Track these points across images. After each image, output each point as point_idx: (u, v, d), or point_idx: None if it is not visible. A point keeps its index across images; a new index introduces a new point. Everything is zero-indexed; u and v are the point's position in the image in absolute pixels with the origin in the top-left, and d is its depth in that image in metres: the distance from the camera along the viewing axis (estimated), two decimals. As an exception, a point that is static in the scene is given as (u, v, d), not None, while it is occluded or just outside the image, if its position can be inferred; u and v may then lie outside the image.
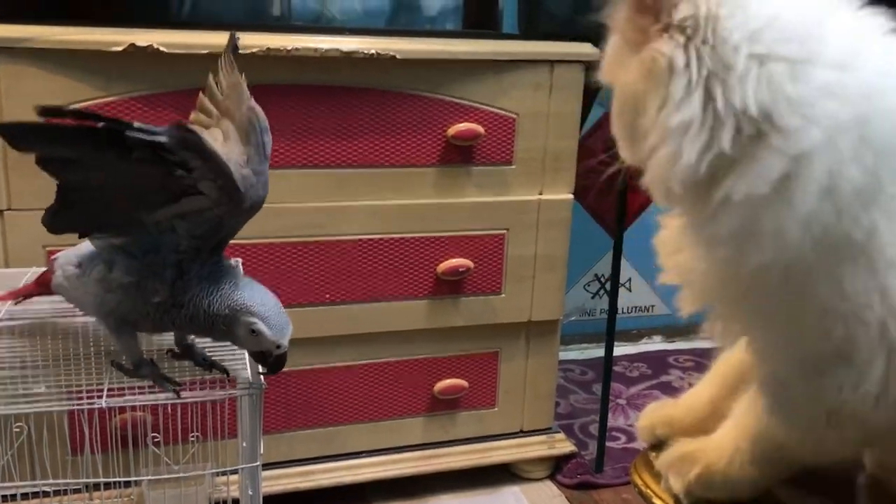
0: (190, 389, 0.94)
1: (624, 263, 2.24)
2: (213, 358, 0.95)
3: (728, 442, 0.65)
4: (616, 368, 2.07)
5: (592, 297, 2.24)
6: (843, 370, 0.57)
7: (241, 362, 0.96)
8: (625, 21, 0.57)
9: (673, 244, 0.61)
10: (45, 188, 1.21)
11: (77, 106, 1.21)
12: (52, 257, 0.97)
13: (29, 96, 1.19)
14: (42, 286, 1.01)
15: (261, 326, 0.83)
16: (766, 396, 0.63)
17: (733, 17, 0.52)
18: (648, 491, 0.63)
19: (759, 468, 0.63)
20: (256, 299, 0.83)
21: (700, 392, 0.72)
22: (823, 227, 0.54)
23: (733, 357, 0.72)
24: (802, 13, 0.54)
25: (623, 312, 2.29)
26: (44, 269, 1.16)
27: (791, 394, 0.61)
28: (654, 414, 0.73)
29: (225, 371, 0.93)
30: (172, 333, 0.97)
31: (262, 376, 0.91)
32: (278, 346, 0.84)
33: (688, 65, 0.53)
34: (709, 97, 0.53)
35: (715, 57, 0.53)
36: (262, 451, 0.92)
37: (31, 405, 0.96)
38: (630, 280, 2.27)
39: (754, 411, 0.64)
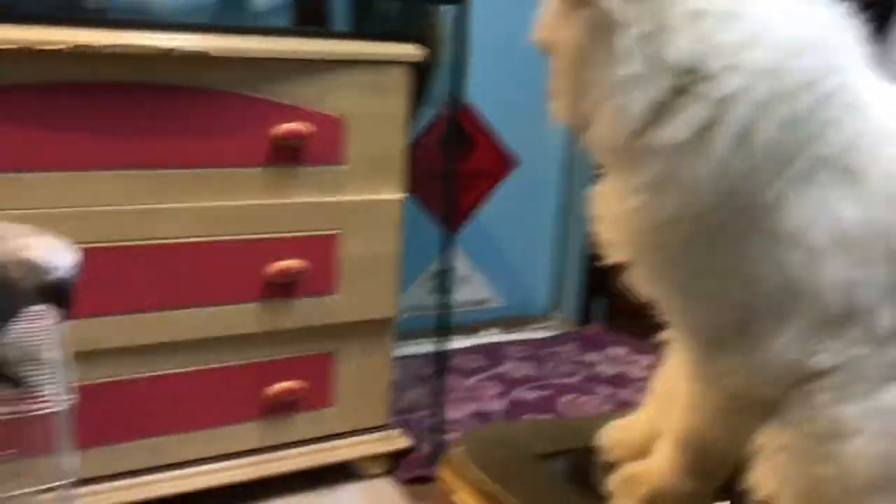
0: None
1: (463, 258, 2.30)
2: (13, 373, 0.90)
3: (664, 457, 0.66)
4: (455, 361, 2.11)
5: (430, 293, 2.27)
6: (741, 343, 0.58)
7: (47, 377, 0.91)
8: None
9: (605, 197, 0.61)
10: None
11: None
12: None
13: None
14: None
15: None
16: (685, 392, 0.63)
17: None
18: (450, 486, 0.65)
19: (695, 475, 0.64)
20: None
21: (641, 413, 0.72)
22: (734, 184, 0.55)
23: (667, 374, 0.71)
24: None
25: (462, 306, 2.34)
26: None
27: (700, 383, 0.62)
28: (613, 436, 0.73)
29: (24, 384, 0.88)
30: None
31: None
32: (49, 266, 0.85)
33: (632, 21, 0.55)
34: (649, 51, 0.55)
35: (654, 13, 0.55)
36: (71, 468, 0.87)
37: None
38: (468, 275, 2.33)
39: (678, 418, 0.65)
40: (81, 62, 1.21)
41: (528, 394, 1.97)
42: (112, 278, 1.30)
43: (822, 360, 0.54)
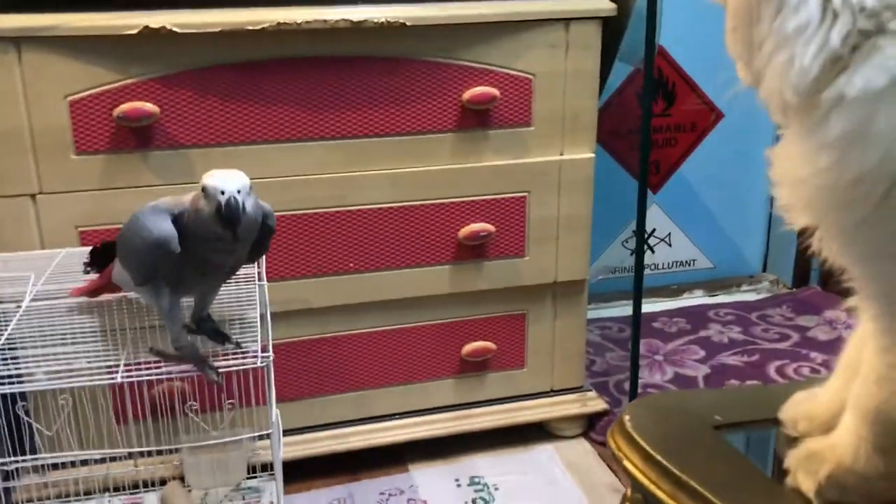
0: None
1: (665, 218, 2.23)
2: (225, 332, 0.99)
3: (850, 433, 0.61)
4: (655, 324, 2.06)
5: (631, 254, 2.21)
6: None
7: (251, 335, 0.99)
8: None
9: (784, 157, 0.58)
10: (75, 171, 1.27)
11: (96, 91, 1.25)
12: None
13: (53, 82, 1.23)
14: (106, 279, 1.08)
15: (205, 182, 0.91)
16: (874, 364, 0.59)
17: None
18: (620, 454, 0.64)
19: (886, 455, 0.59)
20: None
21: (830, 385, 0.67)
22: None
23: (856, 344, 0.66)
24: None
25: (663, 267, 2.27)
26: (78, 248, 1.23)
27: (890, 355, 0.57)
28: (796, 408, 0.69)
29: (237, 343, 0.97)
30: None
31: (270, 350, 0.95)
32: (222, 192, 0.90)
33: None
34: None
35: None
36: (274, 419, 0.95)
37: (71, 380, 1.02)
38: (670, 235, 2.25)
39: (866, 391, 0.60)
40: (282, 39, 1.29)
41: (732, 359, 1.88)
42: (316, 243, 1.39)
43: None
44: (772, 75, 0.54)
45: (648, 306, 2.15)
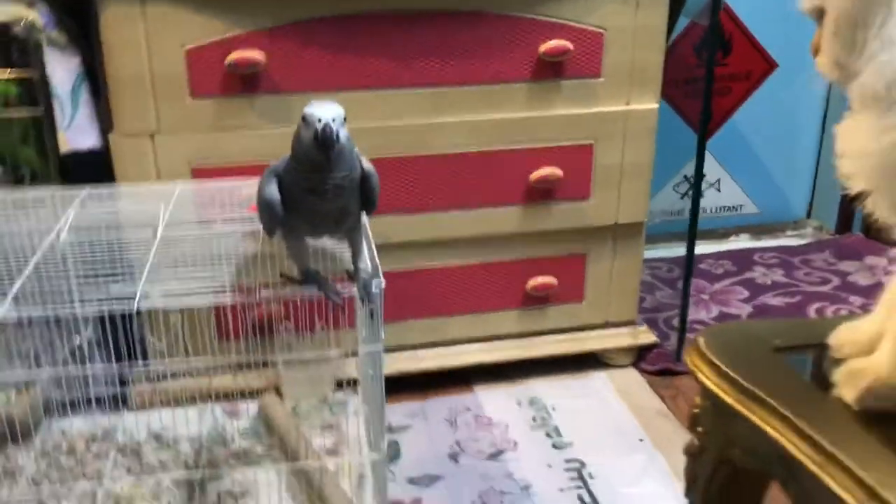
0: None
1: (715, 164, 2.33)
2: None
3: (887, 353, 0.73)
4: (702, 266, 2.18)
5: (682, 198, 2.33)
6: None
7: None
8: None
9: (854, 133, 0.70)
10: (189, 113, 1.41)
11: (210, 41, 1.38)
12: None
13: (172, 34, 1.36)
14: None
15: (305, 111, 0.99)
16: None
17: None
18: (694, 367, 0.77)
19: None
20: None
21: (871, 317, 0.78)
22: None
23: (894, 285, 0.76)
24: None
25: (712, 212, 2.38)
26: (190, 182, 1.37)
27: None
28: (843, 335, 0.80)
29: (337, 292, 1.10)
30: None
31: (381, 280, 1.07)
32: (319, 120, 0.98)
33: None
34: None
35: None
36: (383, 337, 1.10)
37: (183, 300, 1.17)
38: (719, 181, 2.35)
39: None
40: (377, -5, 1.40)
41: (774, 300, 2.00)
42: (400, 184, 1.53)
43: None
44: (871, 71, 0.64)
45: (696, 248, 2.27)
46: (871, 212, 0.68)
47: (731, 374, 0.73)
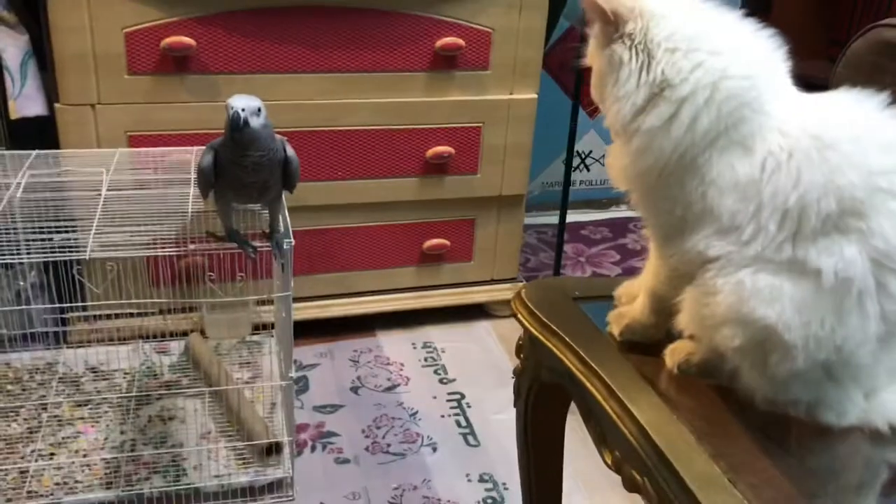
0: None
1: (600, 142, 2.62)
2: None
3: (639, 303, 1.01)
4: (583, 231, 2.49)
5: (573, 170, 2.62)
6: (679, 239, 0.95)
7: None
8: (597, 29, 0.93)
9: (613, 154, 0.97)
10: (127, 88, 1.61)
11: (147, 25, 1.58)
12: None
13: (113, 17, 1.56)
14: None
15: (227, 101, 1.20)
16: (653, 265, 1.00)
17: (658, 28, 0.88)
18: (516, 309, 1.05)
19: (656, 314, 0.99)
20: None
21: (640, 277, 1.05)
22: (684, 150, 0.90)
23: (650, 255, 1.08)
24: (699, 24, 0.89)
25: (596, 184, 2.68)
26: (127, 148, 1.57)
27: (659, 260, 0.99)
28: (623, 290, 1.08)
29: (253, 248, 1.34)
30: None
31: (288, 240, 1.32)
32: (233, 108, 1.19)
33: (629, 59, 0.90)
34: (640, 75, 0.89)
35: (645, 51, 0.89)
36: (293, 285, 1.35)
37: (118, 251, 1.38)
38: (603, 156, 2.65)
39: (649, 280, 1.02)
40: (295, -8, 1.62)
41: (640, 263, 2.31)
42: (313, 155, 1.76)
43: (713, 252, 0.88)
44: (610, 115, 0.92)
45: (580, 216, 2.58)
46: (633, 208, 0.97)
47: (540, 315, 1.01)
